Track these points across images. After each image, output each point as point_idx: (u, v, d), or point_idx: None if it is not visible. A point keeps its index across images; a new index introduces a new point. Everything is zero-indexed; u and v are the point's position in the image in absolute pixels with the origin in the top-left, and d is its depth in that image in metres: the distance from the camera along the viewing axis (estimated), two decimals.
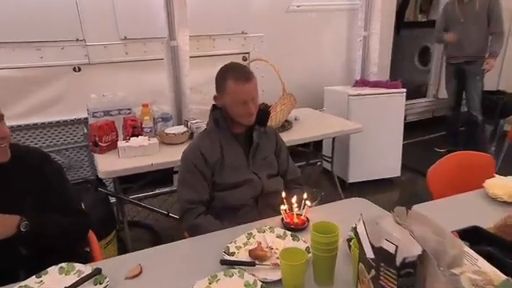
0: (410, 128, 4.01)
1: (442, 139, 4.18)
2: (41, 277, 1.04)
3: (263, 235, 1.24)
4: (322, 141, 3.36)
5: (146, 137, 2.22)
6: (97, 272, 1.04)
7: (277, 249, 1.16)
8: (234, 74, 1.44)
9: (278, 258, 1.06)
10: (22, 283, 1.02)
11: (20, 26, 2.58)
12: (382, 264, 0.75)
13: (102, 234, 2.09)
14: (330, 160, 3.16)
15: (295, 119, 2.81)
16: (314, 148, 3.30)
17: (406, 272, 0.71)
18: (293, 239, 1.21)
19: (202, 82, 2.95)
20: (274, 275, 1.03)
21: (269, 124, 1.64)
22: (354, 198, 1.57)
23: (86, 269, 1.06)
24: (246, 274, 1.03)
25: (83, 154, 2.96)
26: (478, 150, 2.00)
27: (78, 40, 2.76)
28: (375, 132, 3.17)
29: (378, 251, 0.76)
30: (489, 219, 1.19)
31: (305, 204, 1.31)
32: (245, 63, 2.92)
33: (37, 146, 2.79)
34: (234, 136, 1.53)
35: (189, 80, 2.93)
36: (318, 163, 3.59)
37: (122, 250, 2.28)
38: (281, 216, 1.33)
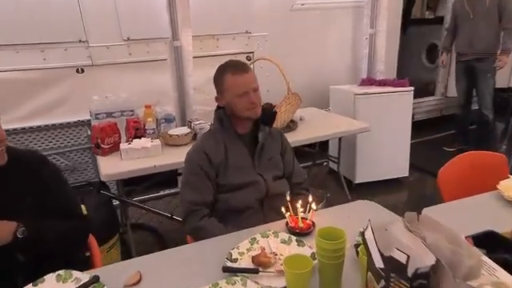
0: (418, 127, 3.94)
1: (451, 138, 4.10)
2: (37, 285, 1.01)
3: (267, 240, 1.20)
4: (328, 141, 3.31)
5: (149, 138, 2.20)
6: (95, 280, 1.01)
7: (281, 255, 1.12)
8: (230, 69, 1.44)
9: (282, 264, 1.01)
10: None
11: (23, 27, 2.57)
12: (393, 274, 0.70)
13: (105, 237, 2.06)
14: (336, 160, 3.11)
15: (300, 119, 2.77)
16: (320, 148, 3.25)
17: (419, 283, 0.67)
18: (298, 244, 1.17)
19: (206, 83, 2.88)
20: (279, 283, 0.99)
21: (274, 124, 1.61)
22: (361, 201, 1.51)
23: (84, 276, 1.03)
24: (249, 281, 0.99)
25: (87, 156, 2.94)
26: (488, 149, 1.94)
27: (80, 41, 2.74)
28: (382, 131, 3.11)
29: (388, 260, 0.71)
30: (505, 223, 1.13)
31: (310, 207, 1.27)
32: (249, 63, 2.89)
33: (40, 148, 2.78)
34: (238, 136, 1.50)
35: (192, 80, 2.91)
36: (325, 163, 3.55)
37: (126, 253, 2.26)
38: (285, 220, 1.29)
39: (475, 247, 0.76)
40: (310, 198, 1.29)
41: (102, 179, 2.00)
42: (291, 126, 2.61)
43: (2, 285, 1.03)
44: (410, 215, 0.80)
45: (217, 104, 1.52)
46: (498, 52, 3.46)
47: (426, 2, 5.61)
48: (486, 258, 0.73)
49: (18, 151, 1.26)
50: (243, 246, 1.17)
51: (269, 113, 1.58)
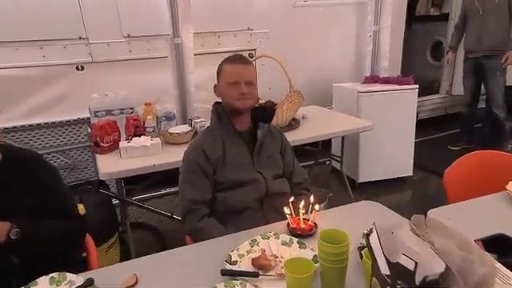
0: (422, 125, 3.88)
1: (456, 137, 4.04)
2: None
3: (268, 242, 1.16)
4: (330, 139, 3.27)
5: (149, 137, 2.16)
6: (89, 283, 0.97)
7: (282, 257, 1.08)
8: (231, 58, 1.47)
9: (283, 267, 0.98)
10: None
11: (22, 24, 2.55)
12: (399, 282, 0.66)
13: (105, 236, 2.04)
14: (339, 159, 3.07)
15: (303, 117, 2.73)
16: (322, 147, 3.21)
17: None
18: (299, 247, 1.13)
19: (207, 80, 2.86)
20: (279, 286, 0.95)
21: (276, 122, 1.58)
22: (364, 201, 1.47)
23: (78, 279, 0.99)
24: (249, 285, 0.96)
25: (87, 155, 2.92)
26: (495, 148, 1.89)
27: (80, 38, 2.71)
28: (386, 130, 3.07)
29: (395, 267, 0.67)
30: None
31: (312, 208, 1.23)
32: (251, 60, 2.85)
33: (40, 146, 2.76)
34: (237, 133, 1.48)
35: (193, 78, 2.88)
36: (327, 162, 3.51)
37: (125, 252, 2.23)
38: (286, 221, 1.25)
39: (487, 253, 0.72)
40: (312, 199, 1.25)
41: (101, 178, 1.97)
42: (293, 124, 2.57)
43: None
44: (416, 218, 0.76)
45: (215, 101, 1.51)
46: (509, 49, 3.38)
47: None
48: (500, 266, 0.69)
49: (15, 149, 1.24)
50: (243, 247, 1.13)
51: (268, 110, 1.56)
